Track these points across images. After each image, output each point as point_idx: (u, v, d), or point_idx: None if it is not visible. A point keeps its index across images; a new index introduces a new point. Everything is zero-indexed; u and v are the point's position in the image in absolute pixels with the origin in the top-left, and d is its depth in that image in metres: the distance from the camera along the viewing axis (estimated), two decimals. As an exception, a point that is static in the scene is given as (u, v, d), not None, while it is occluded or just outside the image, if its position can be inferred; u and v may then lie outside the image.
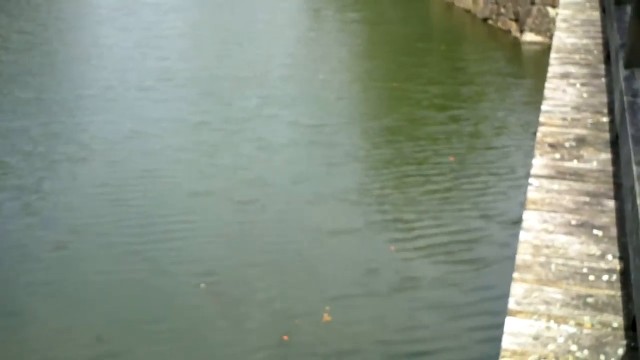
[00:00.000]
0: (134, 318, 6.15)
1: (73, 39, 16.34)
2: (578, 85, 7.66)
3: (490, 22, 20.53)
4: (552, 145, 6.17)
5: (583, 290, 4.15)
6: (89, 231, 7.61)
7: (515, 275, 4.31)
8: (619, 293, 4.12)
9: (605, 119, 6.71)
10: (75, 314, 6.34)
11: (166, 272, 6.88)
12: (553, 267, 4.38)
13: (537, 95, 12.33)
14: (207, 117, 10.66)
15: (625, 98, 5.53)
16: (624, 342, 3.70)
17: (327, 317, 5.99)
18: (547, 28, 16.54)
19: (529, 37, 17.03)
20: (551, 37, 14.42)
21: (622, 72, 6.09)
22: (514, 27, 19.32)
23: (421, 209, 7.91)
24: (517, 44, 15.45)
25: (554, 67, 8.26)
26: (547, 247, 4.60)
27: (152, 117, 10.87)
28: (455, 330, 6.11)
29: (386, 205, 8.01)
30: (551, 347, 3.70)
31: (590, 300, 4.06)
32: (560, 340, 3.74)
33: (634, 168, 4.30)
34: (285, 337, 5.77)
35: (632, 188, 4.26)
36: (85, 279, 6.77)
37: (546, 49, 15.19)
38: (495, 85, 12.92)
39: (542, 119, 6.76)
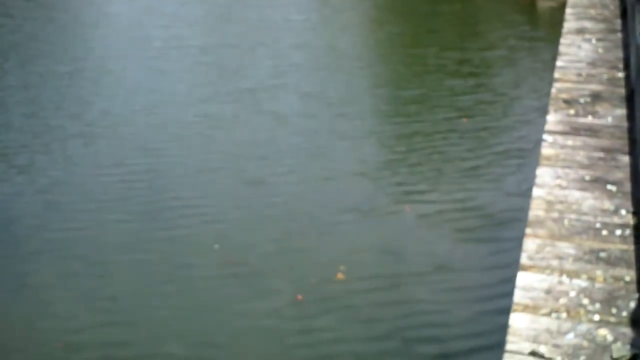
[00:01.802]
0: (144, 284, 6.18)
1: (79, 5, 16.14)
2: (593, 41, 7.59)
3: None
4: (566, 101, 6.13)
5: (595, 245, 4.16)
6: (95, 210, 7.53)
7: (528, 230, 4.31)
8: (632, 247, 4.13)
9: (621, 74, 6.65)
10: (84, 286, 6.38)
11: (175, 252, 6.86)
12: (566, 222, 4.39)
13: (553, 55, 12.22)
14: (215, 88, 10.49)
15: (641, 52, 5.49)
16: (636, 296, 3.72)
17: (340, 276, 6.01)
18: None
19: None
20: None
21: (639, 27, 6.02)
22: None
23: (443, 180, 7.79)
24: (532, 3, 15.23)
25: (569, 23, 8.18)
26: (560, 202, 4.61)
27: (156, 89, 10.67)
28: (466, 293, 6.14)
29: (404, 176, 7.90)
30: (562, 300, 3.72)
31: (602, 254, 4.07)
32: (572, 294, 3.77)
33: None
34: (300, 297, 5.81)
35: (647, 143, 4.24)
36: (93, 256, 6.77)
37: (562, 7, 14.97)
38: (513, 46, 12.74)
39: (556, 74, 6.70)
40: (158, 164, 8.33)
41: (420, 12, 14.83)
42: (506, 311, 3.67)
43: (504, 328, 3.55)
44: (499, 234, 6.83)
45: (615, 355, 3.31)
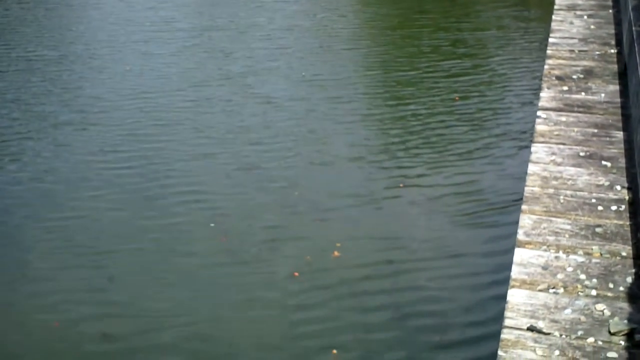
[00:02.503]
0: (141, 273, 6.15)
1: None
2: (585, 17, 7.56)
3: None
4: (559, 78, 6.12)
5: (591, 220, 4.16)
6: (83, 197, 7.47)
7: (524, 207, 4.31)
8: (628, 222, 4.13)
9: (613, 50, 6.64)
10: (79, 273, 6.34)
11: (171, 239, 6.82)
12: (561, 198, 4.38)
13: (538, 27, 12.14)
14: (206, 72, 10.38)
15: (633, 28, 5.46)
16: (632, 271, 3.72)
17: (336, 254, 6.02)
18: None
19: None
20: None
21: (630, 2, 6.00)
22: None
23: (441, 163, 7.70)
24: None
25: (561, -1, 8.14)
26: (556, 178, 4.60)
27: (146, 73, 10.54)
28: (459, 268, 6.14)
29: (401, 160, 7.82)
30: (560, 276, 3.72)
31: (598, 230, 4.07)
32: (569, 269, 3.77)
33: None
34: (296, 274, 5.81)
35: (641, 118, 4.24)
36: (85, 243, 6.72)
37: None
38: (507, 26, 12.70)
39: (549, 51, 6.68)
40: (150, 149, 8.26)
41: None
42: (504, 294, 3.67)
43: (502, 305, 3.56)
44: (499, 218, 6.78)
45: (612, 330, 3.31)
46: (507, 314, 3.48)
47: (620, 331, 3.31)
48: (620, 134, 5.14)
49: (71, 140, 8.56)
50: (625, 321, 3.36)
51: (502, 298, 5.01)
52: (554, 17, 7.57)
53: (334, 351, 5.28)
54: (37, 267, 6.35)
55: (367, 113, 8.98)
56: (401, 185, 7.21)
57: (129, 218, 6.98)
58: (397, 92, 9.61)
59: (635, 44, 5.20)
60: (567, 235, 4.04)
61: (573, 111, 5.50)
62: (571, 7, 7.85)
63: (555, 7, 7.87)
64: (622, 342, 3.27)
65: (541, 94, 5.82)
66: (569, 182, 4.54)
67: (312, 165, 7.77)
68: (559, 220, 4.18)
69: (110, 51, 11.59)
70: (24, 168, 8.06)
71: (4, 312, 5.74)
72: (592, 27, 7.26)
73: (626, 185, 4.51)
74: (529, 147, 6.22)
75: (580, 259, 3.83)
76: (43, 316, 5.74)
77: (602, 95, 5.75)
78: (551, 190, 4.47)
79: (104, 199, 7.34)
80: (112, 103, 9.53)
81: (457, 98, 9.15)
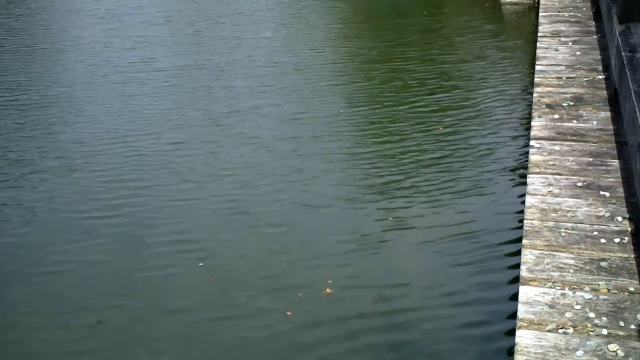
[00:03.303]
0: (132, 334, 5.89)
1: (50, 32, 15.80)
2: (570, 43, 7.51)
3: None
4: (549, 106, 6.02)
5: (595, 254, 4.03)
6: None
7: (525, 241, 4.17)
8: (632, 255, 4.00)
9: (601, 76, 6.57)
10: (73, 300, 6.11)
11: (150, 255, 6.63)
12: (562, 231, 4.25)
13: (520, 55, 12.09)
14: (186, 113, 10.22)
15: (623, 54, 5.38)
16: (642, 306, 3.58)
17: (328, 290, 5.84)
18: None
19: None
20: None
21: (617, 27, 5.93)
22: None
23: (436, 202, 7.47)
24: (497, 6, 15.19)
25: (544, 26, 8.10)
26: (555, 210, 4.47)
27: (126, 116, 10.31)
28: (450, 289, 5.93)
29: (394, 201, 7.60)
30: (568, 314, 3.57)
31: (603, 264, 3.93)
32: (577, 307, 3.62)
33: (642, 125, 4.15)
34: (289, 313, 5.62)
35: (639, 145, 4.12)
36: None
37: (526, 9, 14.94)
38: (479, 47, 12.66)
39: (536, 79, 6.60)
40: (133, 196, 8.03)
41: (388, 26, 14.70)
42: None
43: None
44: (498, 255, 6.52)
45: (628, 370, 3.16)
46: (517, 357, 3.32)
47: (636, 372, 3.16)
48: (615, 162, 5.04)
49: (52, 187, 8.33)
50: (641, 361, 3.21)
51: (504, 335, 4.85)
52: (538, 44, 7.52)
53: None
54: (20, 336, 6.04)
55: (355, 151, 8.79)
56: (393, 222, 7.03)
57: (116, 272, 6.71)
58: (385, 128, 9.45)
59: (626, 70, 5.11)
60: (571, 271, 3.89)
61: (566, 140, 5.39)
62: (555, 34, 7.80)
63: (539, 34, 7.82)
64: (640, 385, 3.12)
65: (532, 123, 5.71)
66: (569, 214, 4.41)
67: (300, 206, 7.56)
68: (562, 254, 4.03)
69: (89, 94, 11.40)
70: (2, 218, 7.81)
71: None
72: (577, 53, 7.20)
73: (627, 215, 4.38)
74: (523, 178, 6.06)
75: (588, 296, 3.69)
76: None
77: (594, 122, 5.66)
78: (551, 223, 4.33)
79: (87, 252, 7.07)
80: (92, 148, 9.29)
81: (441, 128, 9.03)
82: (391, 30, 14.00)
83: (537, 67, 6.84)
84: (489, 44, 12.64)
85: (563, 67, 6.84)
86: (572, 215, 4.40)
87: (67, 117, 10.34)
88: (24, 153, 9.08)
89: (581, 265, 3.93)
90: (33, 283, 6.50)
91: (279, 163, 8.51)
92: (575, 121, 5.70)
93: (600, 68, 6.77)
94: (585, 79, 6.54)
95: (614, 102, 5.90)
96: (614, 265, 3.91)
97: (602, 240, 4.13)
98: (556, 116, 5.80)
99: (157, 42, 13.93)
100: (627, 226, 4.26)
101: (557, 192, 4.67)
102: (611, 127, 5.57)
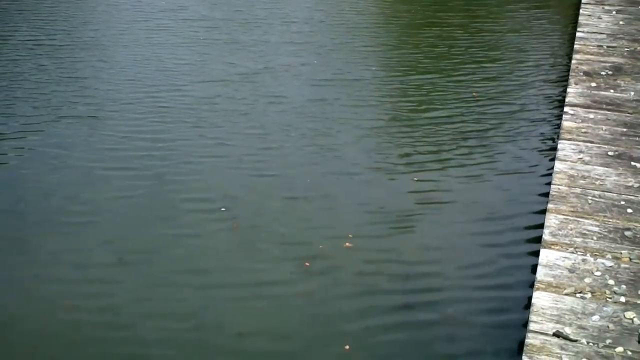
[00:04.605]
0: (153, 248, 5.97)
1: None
2: (614, 12, 7.37)
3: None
4: (587, 73, 5.94)
5: (620, 223, 4.01)
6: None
7: (550, 205, 4.16)
8: (658, 227, 3.98)
9: (643, 48, 6.46)
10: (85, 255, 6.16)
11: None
12: (589, 198, 4.23)
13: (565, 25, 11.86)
14: (217, 67, 10.13)
15: (667, 25, 5.29)
16: (663, 277, 3.58)
17: (348, 244, 5.86)
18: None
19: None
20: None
21: (664, -2, 5.82)
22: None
23: (467, 176, 7.26)
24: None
25: (589, -7, 7.95)
26: (583, 177, 4.44)
27: (154, 65, 10.22)
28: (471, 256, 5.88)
29: (424, 173, 7.37)
30: (587, 280, 3.57)
31: (627, 233, 3.91)
32: (597, 273, 3.61)
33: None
34: (307, 264, 5.67)
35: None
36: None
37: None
38: (525, 18, 12.40)
39: (576, 45, 6.51)
40: (159, 148, 7.98)
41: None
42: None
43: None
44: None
45: (643, 338, 3.17)
46: (532, 317, 3.34)
47: (651, 341, 3.16)
48: (650, 134, 4.97)
49: (77, 133, 8.33)
50: (656, 331, 3.22)
51: (524, 300, 4.86)
52: (581, 11, 7.39)
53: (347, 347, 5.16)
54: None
55: (389, 117, 8.65)
56: (423, 195, 6.91)
57: (139, 220, 6.73)
58: (422, 96, 9.28)
59: (669, 42, 5.03)
60: (595, 238, 3.88)
61: (601, 108, 5.33)
62: (599, 2, 7.66)
63: (583, 1, 7.68)
64: (653, 353, 3.13)
65: (568, 90, 5.65)
66: (597, 182, 4.38)
67: (329, 173, 7.47)
68: (586, 221, 4.02)
69: (120, 40, 11.34)
70: (24, 165, 7.82)
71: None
72: (620, 22, 7.07)
73: (656, 187, 4.34)
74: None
75: (609, 263, 3.68)
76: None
77: (632, 93, 5.58)
78: (578, 190, 4.31)
79: (110, 203, 7.08)
80: (124, 96, 9.24)
81: (475, 94, 8.90)
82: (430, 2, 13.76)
83: (577, 34, 6.73)
84: (534, 15, 12.41)
85: (605, 36, 6.73)
86: (600, 183, 4.37)
87: (96, 63, 10.33)
88: (51, 98, 9.08)
89: (605, 233, 3.92)
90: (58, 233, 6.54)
91: (308, 125, 8.43)
92: (612, 90, 5.62)
93: (643, 39, 6.65)
94: (627, 49, 6.43)
95: (654, 74, 5.82)
96: (638, 236, 3.89)
97: (629, 210, 4.11)
98: (593, 84, 5.72)
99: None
100: (655, 198, 4.23)
101: (587, 160, 4.63)
102: (648, 99, 5.49)
